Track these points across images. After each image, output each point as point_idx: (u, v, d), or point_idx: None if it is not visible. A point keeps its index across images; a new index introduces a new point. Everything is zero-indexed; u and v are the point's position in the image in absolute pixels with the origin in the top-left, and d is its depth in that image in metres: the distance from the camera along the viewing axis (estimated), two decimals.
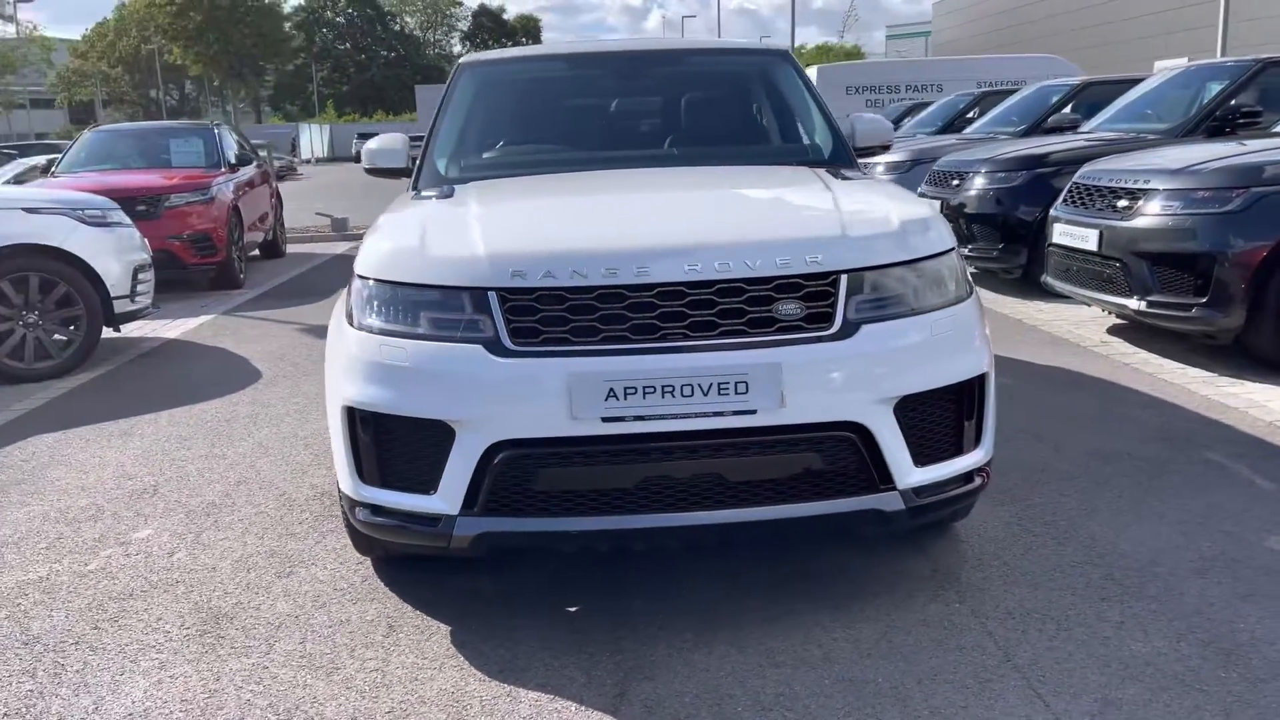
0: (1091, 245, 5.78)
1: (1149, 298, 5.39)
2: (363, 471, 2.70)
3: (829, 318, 2.59)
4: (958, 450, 2.80)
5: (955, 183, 8.19)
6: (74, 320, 6.13)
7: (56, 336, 6.13)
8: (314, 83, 77.68)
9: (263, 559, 3.32)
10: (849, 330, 2.59)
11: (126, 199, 7.83)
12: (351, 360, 2.69)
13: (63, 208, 6.24)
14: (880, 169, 10.46)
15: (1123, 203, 5.62)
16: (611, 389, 2.47)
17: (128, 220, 6.70)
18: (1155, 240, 5.35)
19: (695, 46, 4.93)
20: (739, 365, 2.50)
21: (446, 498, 2.58)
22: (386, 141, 4.03)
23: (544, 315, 2.55)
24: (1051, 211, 6.49)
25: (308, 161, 53.39)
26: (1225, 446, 4.11)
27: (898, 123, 13.79)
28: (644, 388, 2.48)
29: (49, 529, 3.65)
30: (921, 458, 2.70)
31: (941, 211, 7.94)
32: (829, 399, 2.57)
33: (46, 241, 6.00)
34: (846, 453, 2.60)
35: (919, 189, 8.67)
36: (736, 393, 2.49)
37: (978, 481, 2.85)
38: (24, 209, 6.07)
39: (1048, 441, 4.24)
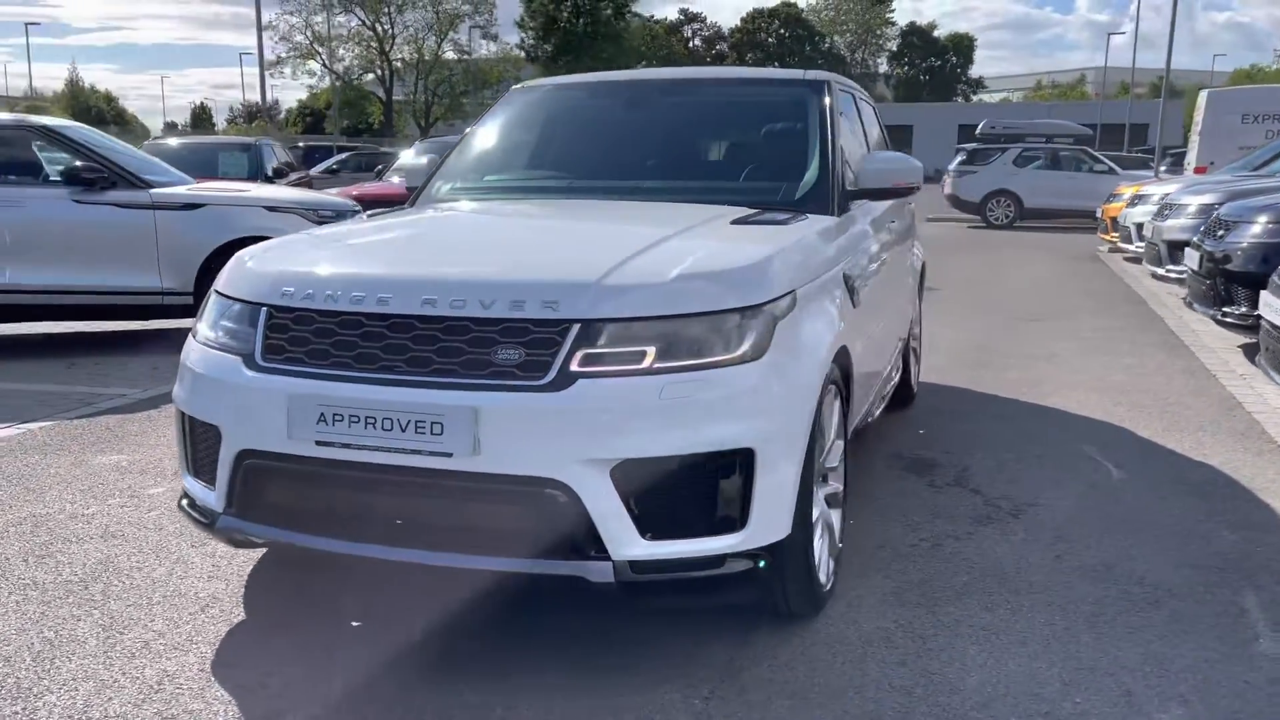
0: None
1: None
2: (185, 462, 2.99)
3: (546, 367, 2.46)
4: (709, 529, 2.53)
5: (1221, 233, 6.94)
6: None
7: None
8: None
9: None
10: (564, 382, 2.45)
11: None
12: (180, 362, 2.99)
13: (300, 207, 7.24)
14: (1192, 209, 9.16)
15: None
16: (323, 414, 2.55)
17: None
18: None
19: (726, 76, 4.72)
20: (437, 405, 2.47)
21: (218, 494, 2.80)
22: (415, 161, 4.34)
23: (293, 335, 2.68)
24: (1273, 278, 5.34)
25: None
26: None
27: None
28: (350, 416, 2.53)
29: None
30: (654, 530, 2.49)
31: (1201, 267, 6.83)
32: (530, 452, 2.45)
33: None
34: (551, 512, 2.46)
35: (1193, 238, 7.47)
36: (433, 433, 2.47)
37: (736, 567, 2.55)
38: (265, 206, 7.14)
39: None
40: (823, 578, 3.02)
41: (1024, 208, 20.96)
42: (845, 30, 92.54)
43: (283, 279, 2.78)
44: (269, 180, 12.17)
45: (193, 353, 2.91)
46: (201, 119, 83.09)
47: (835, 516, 3.25)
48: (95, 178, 6.85)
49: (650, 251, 2.76)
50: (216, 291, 2.96)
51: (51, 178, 6.98)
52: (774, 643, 2.86)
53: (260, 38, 26.46)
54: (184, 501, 3.00)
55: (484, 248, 3.05)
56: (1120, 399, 5.78)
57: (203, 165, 12.61)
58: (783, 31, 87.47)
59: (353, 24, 55.81)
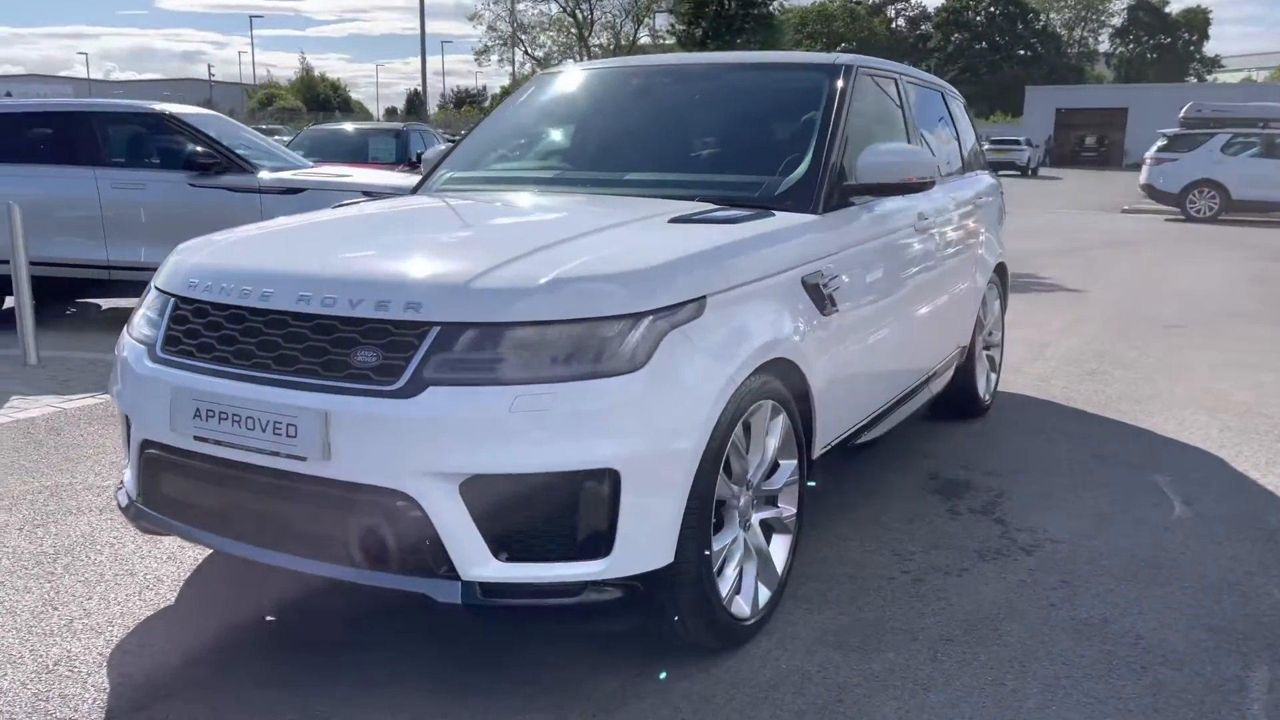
0: None
1: None
2: (124, 448, 3.06)
3: (399, 372, 2.34)
4: (568, 554, 2.35)
5: None
6: None
7: None
8: None
9: None
10: (414, 389, 2.32)
11: None
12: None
13: (390, 191, 7.39)
14: None
15: None
16: (198, 408, 2.53)
17: None
18: None
19: (744, 62, 4.37)
20: (292, 407, 2.40)
21: (130, 482, 2.85)
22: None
23: (189, 327, 2.67)
24: None
25: None
26: None
27: None
28: (220, 413, 2.49)
29: None
30: (509, 551, 2.34)
31: None
32: (378, 461, 2.34)
33: None
34: (398, 525, 2.35)
35: None
36: (288, 435, 2.40)
37: (596, 596, 2.36)
38: (362, 191, 7.33)
39: None
40: (744, 610, 2.77)
41: (1230, 200, 19.08)
42: (1063, 7, 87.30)
43: (194, 270, 2.77)
44: (413, 165, 12.58)
45: (123, 340, 2.95)
46: (415, 105, 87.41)
47: (780, 543, 2.98)
48: (210, 163, 7.22)
49: (543, 252, 2.58)
50: (153, 286, 3.00)
51: (171, 163, 7.39)
52: (674, 677, 2.64)
53: (423, 27, 27.17)
54: (118, 487, 3.07)
55: (390, 245, 2.93)
56: (1232, 422, 5.11)
57: (357, 149, 13.19)
58: (993, 10, 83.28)
59: (553, 11, 57.26)
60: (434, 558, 2.34)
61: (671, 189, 3.44)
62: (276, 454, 2.42)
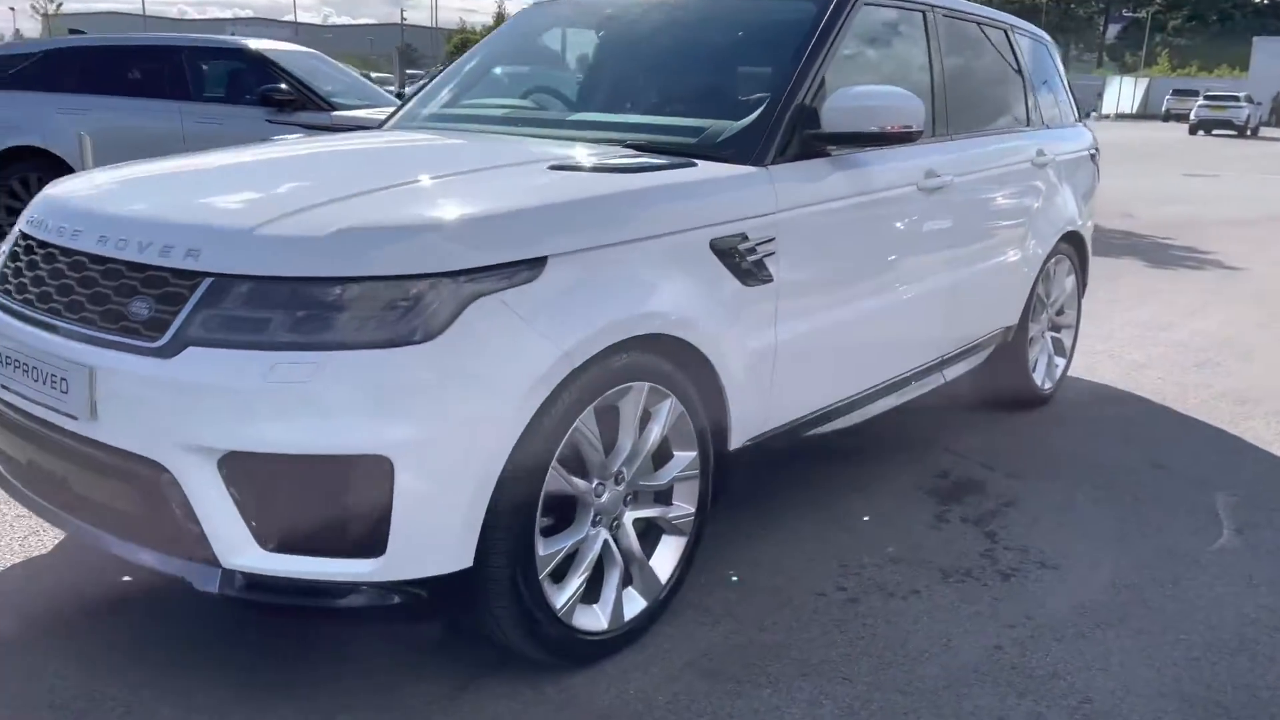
0: None
1: None
2: None
3: (165, 327, 2.08)
4: (339, 549, 2.05)
5: None
6: None
7: None
8: (1146, 33, 71.87)
9: None
10: (175, 348, 2.05)
11: None
12: None
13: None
14: None
15: None
16: (4, 354, 2.34)
17: None
18: None
19: None
20: (64, 360, 2.18)
21: None
22: None
23: (17, 265, 2.49)
24: None
25: (1106, 117, 50.02)
26: None
27: None
28: (14, 360, 2.31)
29: None
30: (275, 542, 2.05)
31: None
32: (138, 427, 2.10)
33: None
34: (158, 500, 2.10)
35: None
36: (61, 390, 2.18)
37: (366, 600, 2.05)
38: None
39: None
40: (597, 622, 2.40)
41: None
42: None
43: (40, 205, 2.58)
44: None
45: None
46: None
47: (670, 547, 2.59)
48: (287, 99, 7.20)
49: (360, 199, 2.25)
50: None
51: (251, 99, 7.42)
52: (497, 693, 2.31)
53: None
54: None
55: (223, 186, 2.61)
56: None
57: None
58: None
59: None
60: (194, 540, 2.07)
61: (613, 131, 3.03)
62: (55, 410, 2.21)
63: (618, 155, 2.73)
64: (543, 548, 2.24)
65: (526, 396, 2.10)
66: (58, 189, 2.67)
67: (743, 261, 2.62)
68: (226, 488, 2.03)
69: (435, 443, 2.01)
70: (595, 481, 2.37)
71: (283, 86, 7.28)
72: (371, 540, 2.03)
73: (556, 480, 2.23)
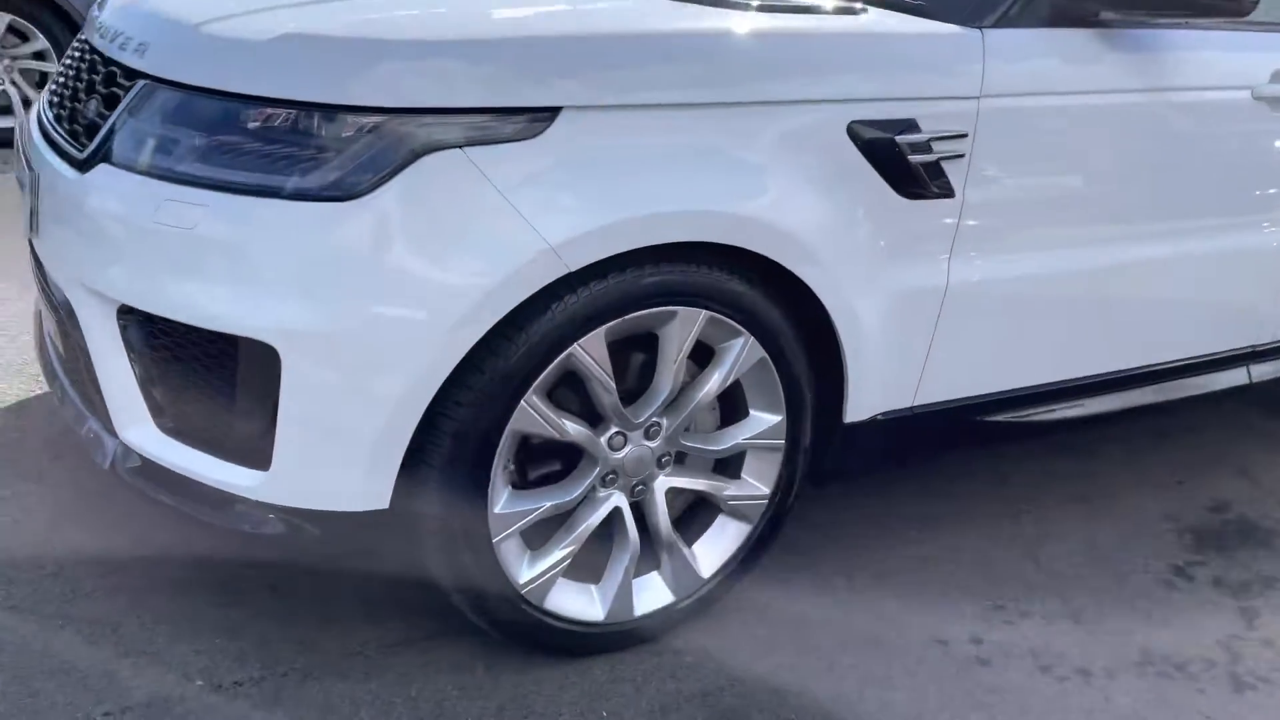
0: None
1: None
2: None
3: (94, 134, 1.68)
4: (227, 450, 1.61)
5: None
6: None
7: None
8: None
9: None
10: (91, 162, 1.66)
11: None
12: None
13: None
14: None
15: None
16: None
17: None
18: None
19: None
20: (34, 167, 1.85)
21: None
22: None
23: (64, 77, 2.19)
24: None
25: None
26: None
27: None
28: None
29: None
30: (171, 422, 1.66)
31: None
32: (55, 250, 1.77)
33: None
34: (73, 342, 1.75)
35: None
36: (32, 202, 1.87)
37: (248, 523, 1.60)
38: None
39: None
40: (591, 610, 1.83)
41: None
42: None
43: (96, 11, 2.22)
44: None
45: None
46: None
47: (722, 534, 1.94)
48: None
49: (328, 5, 1.69)
50: None
51: None
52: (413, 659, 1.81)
53: None
54: None
55: None
56: None
57: None
58: None
59: None
60: (96, 398, 1.71)
61: None
62: (27, 225, 1.91)
63: None
64: (504, 504, 1.67)
65: (487, 298, 1.50)
66: None
67: (905, 161, 1.81)
68: (124, 346, 1.64)
69: (341, 339, 1.48)
70: (612, 430, 1.74)
71: None
72: (255, 447, 1.56)
73: (533, 419, 1.63)
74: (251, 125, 1.51)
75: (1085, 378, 2.23)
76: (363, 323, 1.48)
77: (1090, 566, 2.31)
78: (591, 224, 1.54)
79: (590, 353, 1.62)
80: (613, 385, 1.68)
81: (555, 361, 1.60)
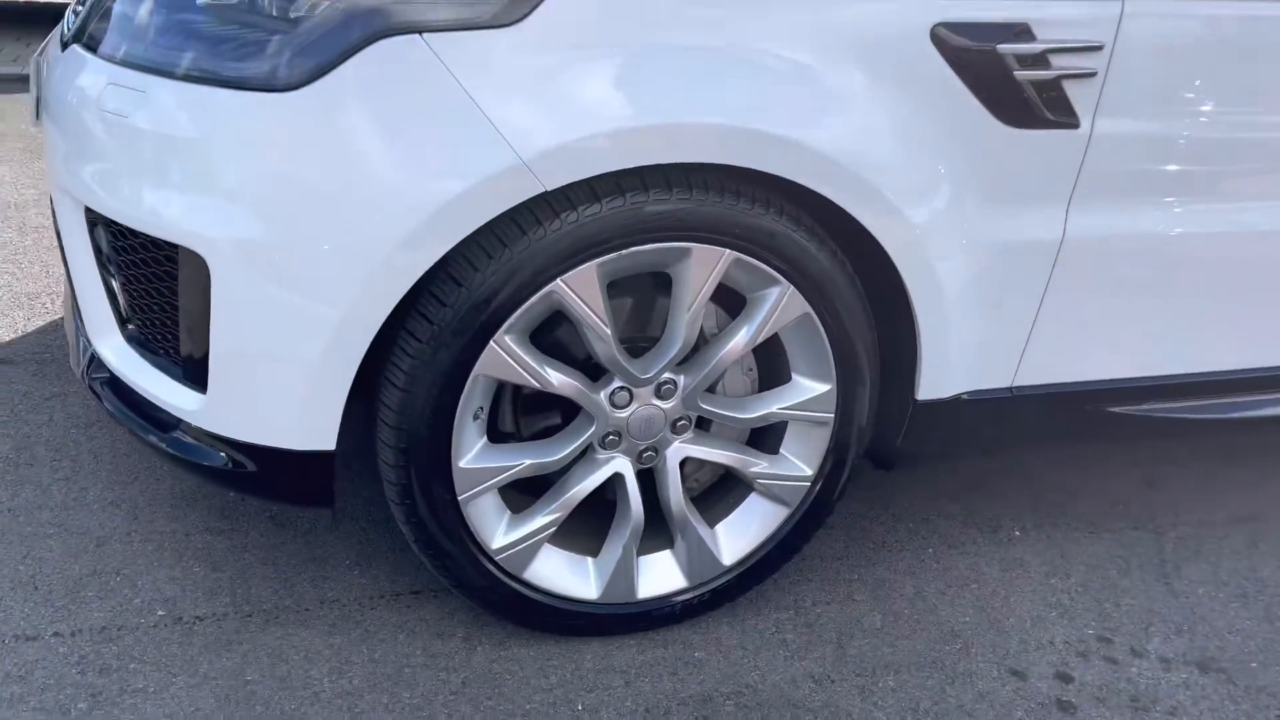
0: None
1: None
2: None
3: (85, 23, 1.55)
4: (174, 368, 1.46)
5: None
6: None
7: None
8: None
9: None
10: (70, 43, 1.55)
11: None
12: None
13: None
14: None
15: None
16: None
17: None
18: None
19: None
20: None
21: None
22: None
23: None
24: None
25: None
26: None
27: None
28: None
29: None
30: (136, 336, 1.54)
31: None
32: (49, 140, 1.63)
33: None
34: (67, 243, 1.64)
35: None
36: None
37: (192, 454, 1.45)
38: None
39: None
40: (588, 589, 1.60)
41: None
42: None
43: None
44: None
45: None
46: None
47: (752, 516, 1.65)
48: None
49: None
50: None
51: None
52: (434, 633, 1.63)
53: None
54: None
55: None
56: None
57: None
58: None
59: None
60: (74, 304, 1.60)
61: None
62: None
63: None
64: (473, 457, 1.44)
65: (440, 215, 1.26)
66: None
67: (1011, 78, 1.42)
68: (91, 247, 1.52)
69: (270, 250, 1.28)
70: (614, 385, 1.47)
71: None
72: (194, 365, 1.40)
73: (505, 364, 1.39)
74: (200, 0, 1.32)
75: (1244, 370, 1.77)
76: (295, 232, 1.27)
77: (1242, 602, 1.87)
78: (574, 134, 1.26)
79: (577, 291, 1.36)
80: (608, 332, 1.41)
81: (533, 299, 1.35)
